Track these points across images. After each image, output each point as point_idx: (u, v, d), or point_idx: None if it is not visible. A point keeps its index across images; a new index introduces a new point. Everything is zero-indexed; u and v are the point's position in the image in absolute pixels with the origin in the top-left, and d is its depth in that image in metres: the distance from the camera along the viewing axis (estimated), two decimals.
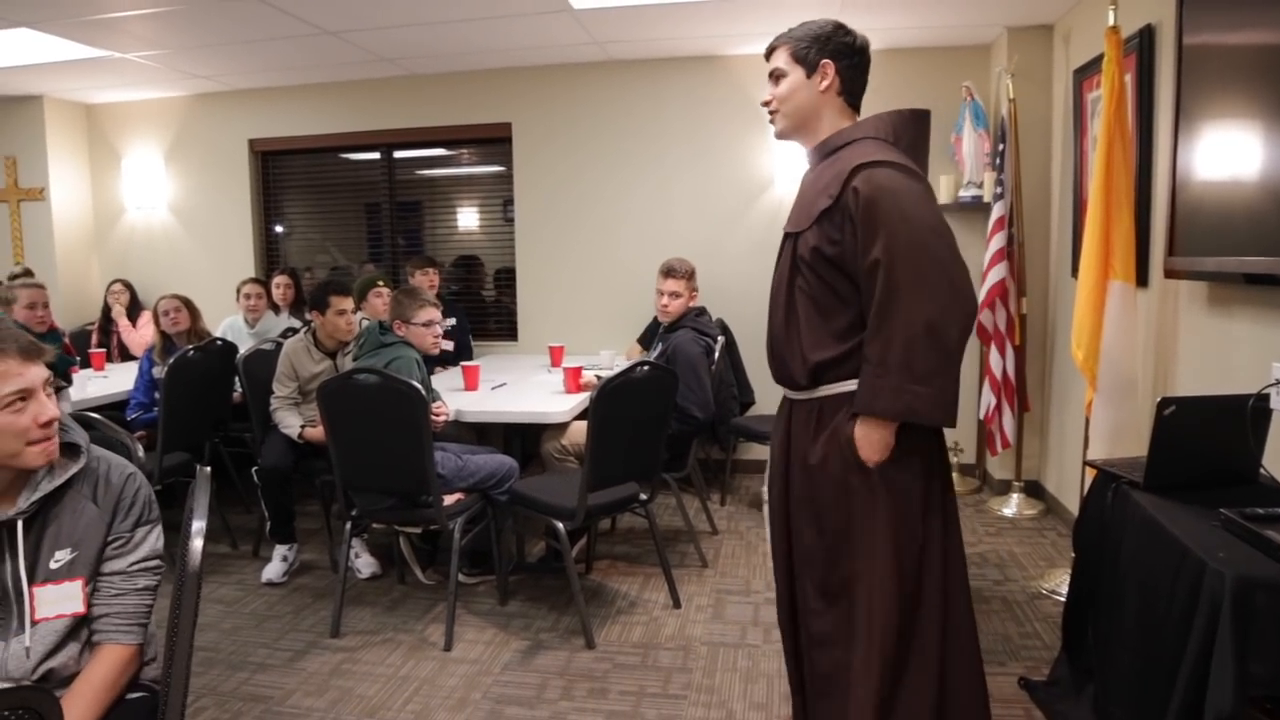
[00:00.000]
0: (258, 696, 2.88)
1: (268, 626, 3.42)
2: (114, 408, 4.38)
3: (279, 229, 6.45)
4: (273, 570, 3.88)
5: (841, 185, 1.89)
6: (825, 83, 1.98)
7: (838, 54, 1.98)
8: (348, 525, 3.37)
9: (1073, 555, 2.76)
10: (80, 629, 1.66)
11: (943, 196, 5.05)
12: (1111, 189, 3.13)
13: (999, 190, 4.45)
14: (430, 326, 3.52)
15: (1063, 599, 3.37)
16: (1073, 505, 3.97)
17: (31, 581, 1.59)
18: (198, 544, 1.52)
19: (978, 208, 4.91)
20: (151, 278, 6.22)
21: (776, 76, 2.03)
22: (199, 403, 4.22)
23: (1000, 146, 4.51)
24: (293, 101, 6.04)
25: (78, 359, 5.16)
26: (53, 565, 1.61)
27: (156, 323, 4.56)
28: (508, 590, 3.61)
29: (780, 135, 2.10)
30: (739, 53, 5.31)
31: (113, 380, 4.85)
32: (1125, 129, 3.18)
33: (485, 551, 3.66)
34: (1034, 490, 4.72)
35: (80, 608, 1.63)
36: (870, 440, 1.90)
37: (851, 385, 1.95)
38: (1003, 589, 3.58)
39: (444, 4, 4.31)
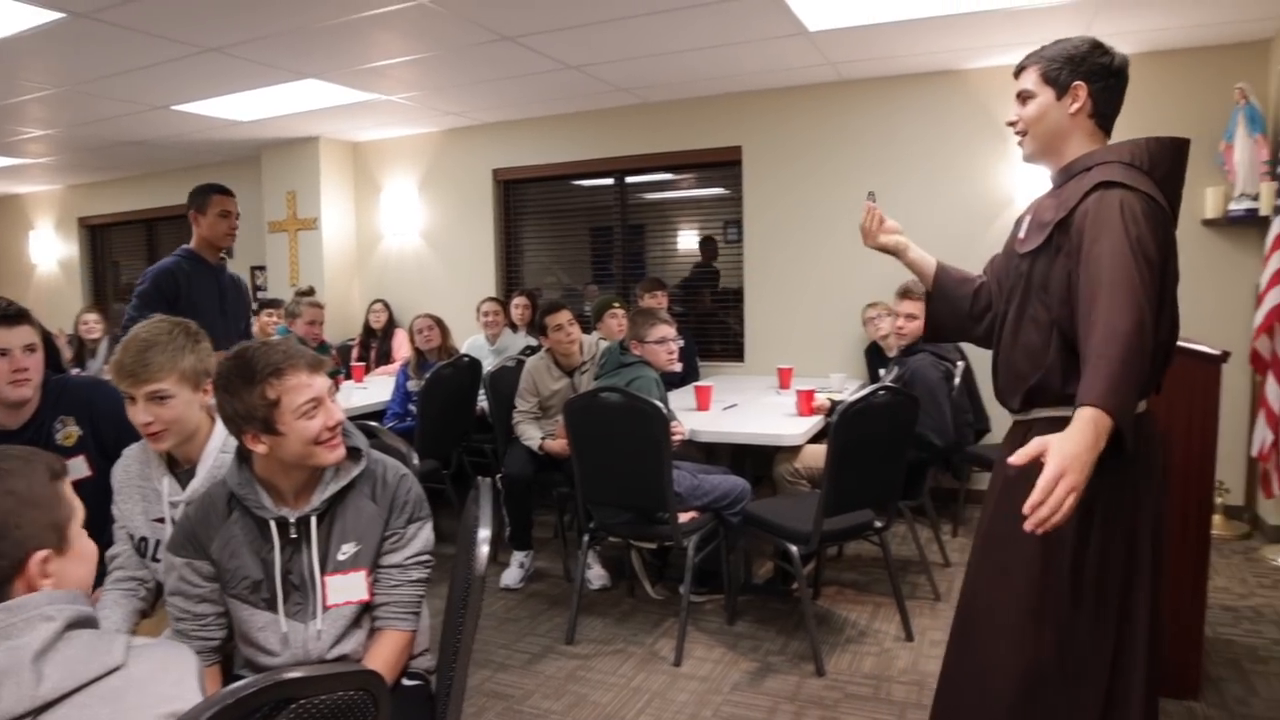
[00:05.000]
0: (499, 694, 3.05)
1: (507, 629, 3.61)
2: (371, 417, 4.70)
3: (517, 253, 6.85)
4: (510, 576, 4.09)
5: (1079, 199, 1.78)
6: (1076, 105, 1.86)
7: (1092, 75, 1.84)
8: (585, 537, 3.51)
9: None
10: (363, 618, 1.83)
11: (1209, 211, 4.62)
12: None
13: None
14: (664, 343, 3.59)
15: None
16: None
17: (323, 571, 1.78)
18: (484, 550, 1.64)
19: (1251, 222, 4.44)
20: (404, 298, 6.76)
21: (1024, 97, 1.93)
22: (449, 415, 4.54)
23: None
24: (532, 132, 6.42)
25: (343, 370, 5.71)
26: (340, 557, 1.79)
27: (411, 339, 4.97)
28: (735, 610, 3.62)
29: (1028, 159, 2.00)
30: (979, 66, 5.10)
31: (371, 391, 5.28)
32: None
33: (712, 571, 3.69)
34: None
35: (365, 595, 1.81)
36: (1076, 443, 1.51)
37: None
38: None
39: (682, 34, 4.44)
